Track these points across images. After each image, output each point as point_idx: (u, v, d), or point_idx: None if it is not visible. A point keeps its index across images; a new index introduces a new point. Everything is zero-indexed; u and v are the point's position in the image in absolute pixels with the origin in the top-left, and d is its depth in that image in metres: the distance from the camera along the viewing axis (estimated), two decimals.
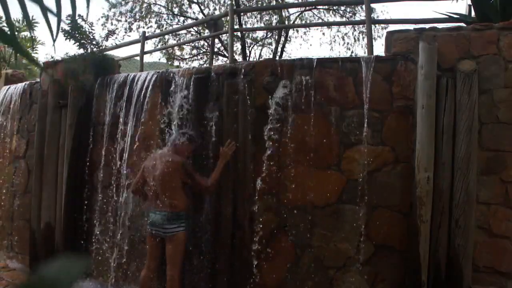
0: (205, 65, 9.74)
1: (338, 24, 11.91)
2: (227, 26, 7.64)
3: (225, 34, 9.19)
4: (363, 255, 3.34)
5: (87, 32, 4.70)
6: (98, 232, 4.25)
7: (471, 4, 4.44)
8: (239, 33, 11.09)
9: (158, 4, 12.42)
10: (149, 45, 10.95)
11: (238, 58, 11.45)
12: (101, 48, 4.82)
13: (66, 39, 4.67)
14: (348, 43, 12.51)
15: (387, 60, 3.40)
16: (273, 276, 3.52)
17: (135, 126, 4.08)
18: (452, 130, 3.07)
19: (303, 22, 12.36)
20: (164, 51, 12.09)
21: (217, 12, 11.85)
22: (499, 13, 4.00)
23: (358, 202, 3.35)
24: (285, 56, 12.42)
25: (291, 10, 12.41)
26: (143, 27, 11.87)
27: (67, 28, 4.58)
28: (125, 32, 11.74)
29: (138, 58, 7.95)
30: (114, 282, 4.07)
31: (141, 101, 4.05)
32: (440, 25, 3.68)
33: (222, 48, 12.41)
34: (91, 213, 4.34)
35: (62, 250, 4.33)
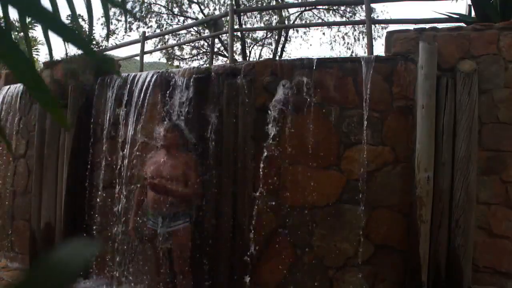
0: (205, 65, 9.74)
1: (338, 24, 11.92)
2: (227, 26, 7.65)
3: (225, 34, 9.19)
4: (363, 255, 3.34)
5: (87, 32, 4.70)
6: (98, 232, 4.25)
7: (471, 4, 4.44)
8: (239, 33, 11.09)
9: (158, 4, 12.44)
10: (149, 45, 10.96)
11: (238, 58, 11.45)
12: (101, 48, 4.82)
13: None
14: (348, 43, 12.53)
15: (387, 60, 3.40)
16: (273, 276, 3.52)
17: (135, 126, 4.08)
18: (452, 130, 3.07)
19: (303, 22, 12.36)
20: (164, 51, 12.10)
21: (217, 12, 11.86)
22: (499, 13, 4.00)
23: (358, 202, 3.35)
24: (285, 56, 12.43)
25: (291, 10, 12.43)
26: (143, 27, 11.89)
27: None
28: (125, 32, 11.75)
29: (138, 58, 7.96)
30: (114, 281, 4.07)
31: (141, 101, 4.05)
32: (440, 25, 3.69)
33: (222, 48, 12.42)
34: (91, 213, 4.34)
35: None
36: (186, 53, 13.03)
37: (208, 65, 5.14)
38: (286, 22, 12.32)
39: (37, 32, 9.26)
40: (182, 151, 3.54)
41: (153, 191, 3.37)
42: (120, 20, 12.03)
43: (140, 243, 3.87)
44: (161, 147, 3.50)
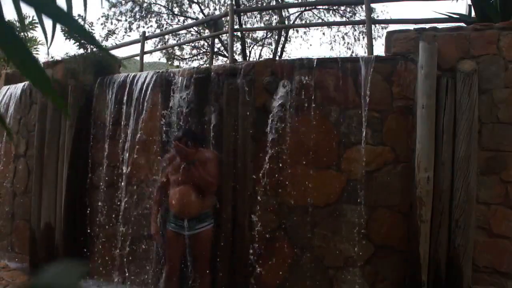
0: (205, 65, 9.73)
1: (338, 24, 11.90)
2: (227, 26, 7.64)
3: (225, 34, 9.18)
4: (363, 255, 3.34)
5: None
6: (98, 232, 4.25)
7: (471, 4, 4.44)
8: (239, 33, 11.08)
9: (158, 4, 12.43)
10: (149, 45, 10.95)
11: (238, 58, 11.44)
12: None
13: (66, 39, 4.67)
14: (348, 43, 12.50)
15: (387, 60, 3.40)
16: (273, 276, 3.52)
17: (135, 126, 4.08)
18: (452, 130, 3.07)
19: (303, 22, 12.36)
20: (164, 51, 12.09)
21: (217, 12, 11.84)
22: (499, 13, 3.99)
23: (358, 202, 3.35)
24: (285, 56, 12.40)
25: (291, 10, 12.40)
26: (143, 27, 11.88)
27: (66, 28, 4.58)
28: (125, 32, 11.74)
29: (138, 58, 7.95)
30: (115, 282, 4.07)
31: (141, 101, 4.05)
32: (440, 25, 3.68)
33: (222, 48, 12.41)
34: (91, 213, 4.34)
35: (62, 250, 4.33)
36: (186, 53, 13.01)
37: (208, 65, 5.14)
38: (286, 22, 12.31)
39: (37, 32, 9.21)
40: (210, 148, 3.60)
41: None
42: (120, 20, 12.03)
43: (162, 246, 3.83)
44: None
